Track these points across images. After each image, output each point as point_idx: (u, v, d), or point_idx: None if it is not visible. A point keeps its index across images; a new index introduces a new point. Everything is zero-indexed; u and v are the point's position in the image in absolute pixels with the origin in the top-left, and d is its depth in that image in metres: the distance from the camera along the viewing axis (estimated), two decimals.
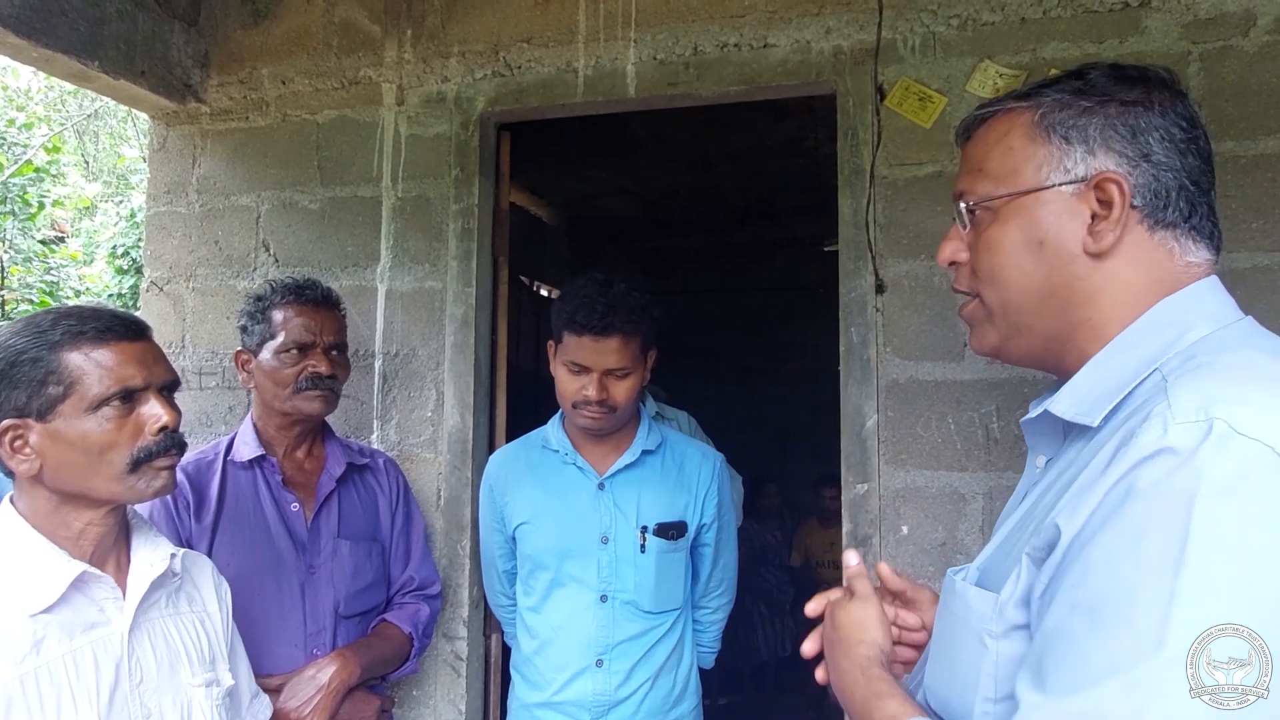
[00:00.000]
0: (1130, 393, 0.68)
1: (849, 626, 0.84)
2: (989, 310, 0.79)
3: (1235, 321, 0.70)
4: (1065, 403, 0.72)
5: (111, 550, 1.07)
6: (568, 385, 1.59)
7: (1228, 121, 1.65)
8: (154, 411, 1.04)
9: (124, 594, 1.05)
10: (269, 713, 1.30)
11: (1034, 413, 0.77)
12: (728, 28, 1.90)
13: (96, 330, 1.02)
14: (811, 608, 0.92)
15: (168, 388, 1.08)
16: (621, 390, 1.58)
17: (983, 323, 0.80)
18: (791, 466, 5.18)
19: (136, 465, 1.02)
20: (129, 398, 1.03)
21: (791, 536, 4.77)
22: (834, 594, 0.91)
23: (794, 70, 1.86)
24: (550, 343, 1.66)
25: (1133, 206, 0.71)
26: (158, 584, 1.07)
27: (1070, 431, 0.75)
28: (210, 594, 1.19)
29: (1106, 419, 0.69)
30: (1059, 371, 0.77)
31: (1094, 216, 0.72)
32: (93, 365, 1.01)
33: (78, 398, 1.00)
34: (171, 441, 1.05)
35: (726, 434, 2.73)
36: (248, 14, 2.23)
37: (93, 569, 1.01)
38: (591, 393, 1.55)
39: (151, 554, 1.08)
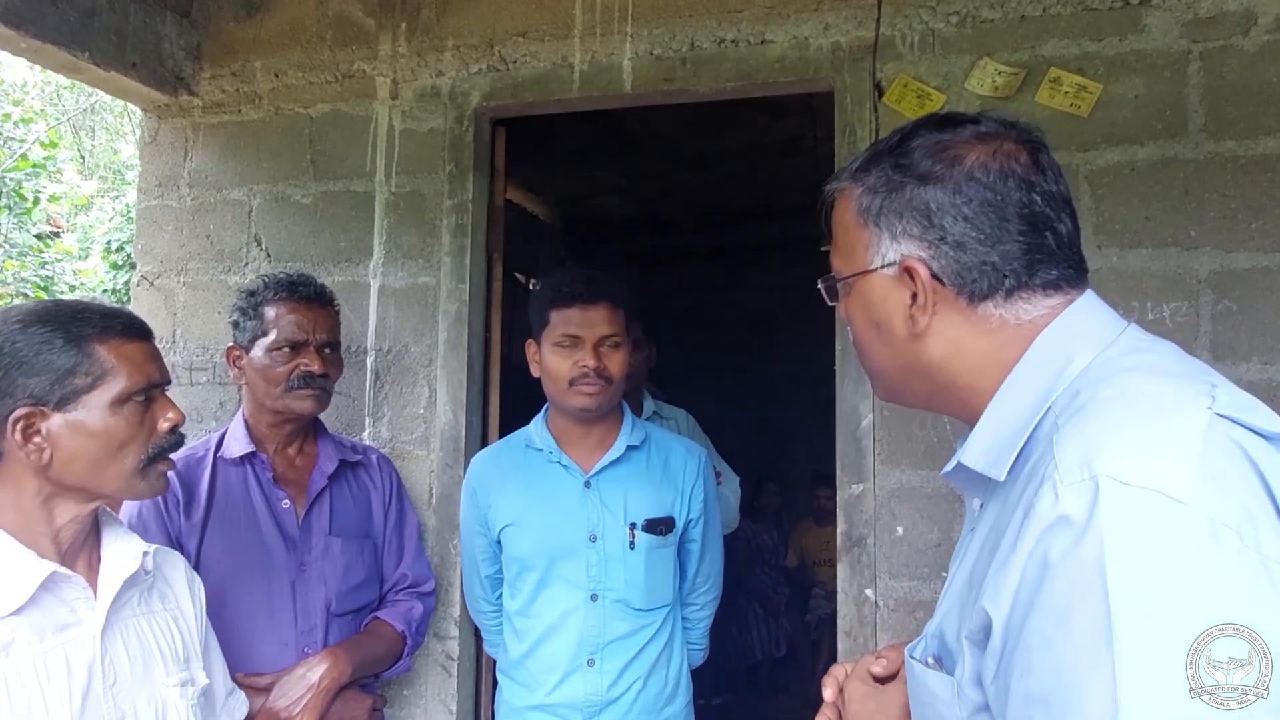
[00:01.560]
0: (1030, 439, 0.67)
1: (865, 716, 0.83)
2: (869, 373, 0.82)
3: (1115, 339, 0.68)
4: (973, 455, 0.72)
5: (82, 549, 1.05)
6: (560, 365, 1.57)
7: (1227, 121, 1.64)
8: (166, 410, 1.06)
9: (95, 593, 1.03)
10: (245, 710, 1.28)
11: (949, 466, 0.76)
12: (725, 23, 1.88)
13: (123, 326, 1.05)
14: (828, 694, 0.89)
15: (165, 387, 1.11)
16: (614, 362, 1.58)
17: (873, 378, 0.83)
18: (789, 467, 5.16)
19: (150, 462, 1.04)
20: (148, 395, 1.05)
21: (787, 537, 4.75)
22: (843, 670, 0.90)
23: (791, 67, 1.84)
24: (529, 343, 1.65)
25: (942, 284, 0.71)
26: (130, 582, 1.05)
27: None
28: (183, 591, 1.17)
29: (1014, 468, 0.68)
30: (961, 418, 0.77)
31: (914, 297, 0.73)
32: (123, 360, 1.03)
33: (104, 390, 1.01)
34: (177, 440, 1.08)
35: (724, 434, 2.72)
36: (240, 6, 2.20)
37: (63, 569, 0.99)
38: (590, 362, 1.54)
39: (123, 552, 1.06)
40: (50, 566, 0.98)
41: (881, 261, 0.74)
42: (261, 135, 2.19)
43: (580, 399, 1.57)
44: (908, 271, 0.72)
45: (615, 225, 4.91)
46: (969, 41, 1.75)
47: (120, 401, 1.01)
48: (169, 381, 1.11)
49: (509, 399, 2.16)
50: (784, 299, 5.61)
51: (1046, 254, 0.71)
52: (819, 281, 0.83)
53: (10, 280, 6.68)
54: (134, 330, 1.07)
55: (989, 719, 0.65)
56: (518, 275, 4.10)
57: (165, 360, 1.14)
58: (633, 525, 1.60)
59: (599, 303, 1.57)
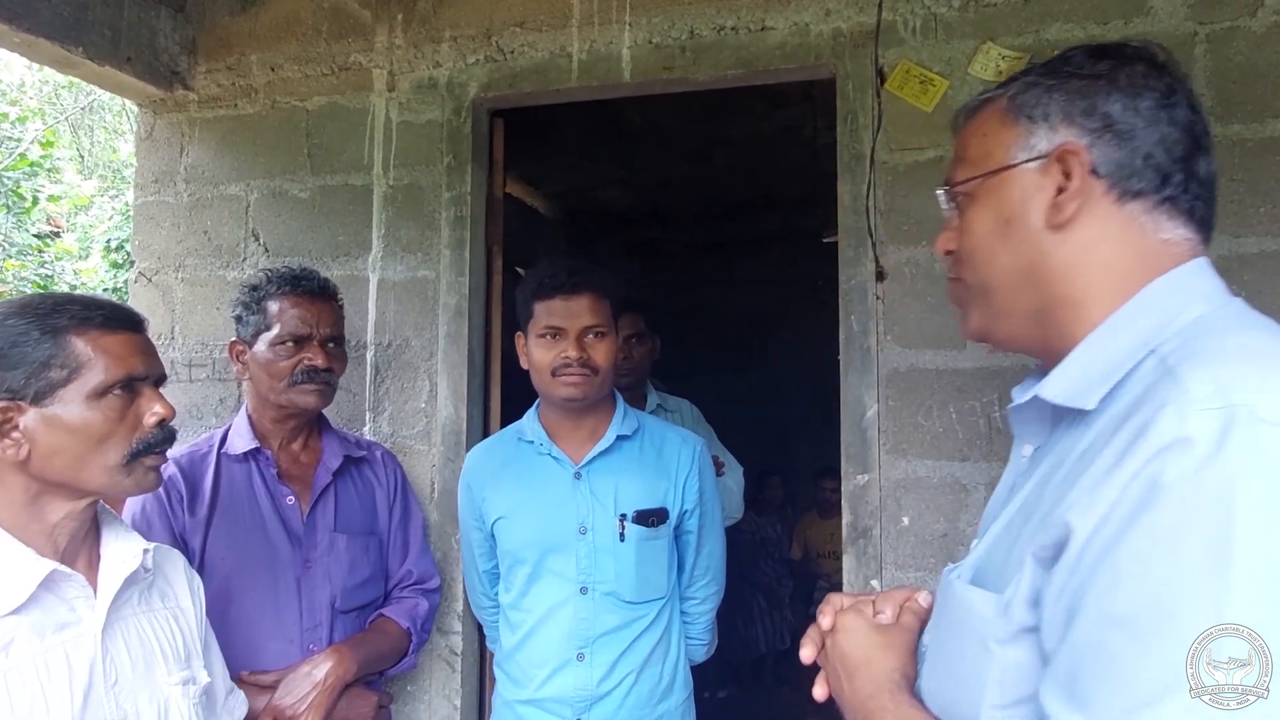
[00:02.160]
0: (1127, 376, 0.66)
1: (869, 647, 0.81)
2: (971, 293, 0.80)
3: (1227, 303, 0.69)
4: (1056, 387, 0.70)
5: (82, 547, 1.04)
6: (544, 355, 1.56)
7: (1234, 103, 1.61)
8: (152, 403, 1.03)
9: (95, 592, 1.02)
10: (245, 709, 1.27)
11: (1022, 399, 0.75)
12: (724, 10, 1.86)
13: (104, 318, 1.01)
14: (825, 622, 0.87)
15: (159, 382, 1.07)
16: (600, 352, 1.56)
17: (968, 307, 0.81)
18: (792, 460, 5.15)
19: (134, 458, 1.01)
20: (130, 387, 1.01)
21: (791, 529, 4.74)
22: (841, 600, 0.88)
23: (792, 53, 1.82)
24: (517, 335, 1.64)
25: (1096, 176, 0.71)
26: (130, 581, 1.04)
27: (1061, 418, 0.73)
28: (183, 589, 1.15)
29: (1103, 403, 0.66)
30: (1045, 355, 0.76)
31: (1059, 190, 0.72)
32: (100, 352, 0.99)
33: (81, 383, 0.98)
34: (166, 434, 1.04)
35: (727, 427, 2.70)
36: (236, 0, 2.19)
37: (62, 567, 0.98)
38: (573, 352, 1.53)
39: (123, 550, 1.05)
40: (50, 565, 0.97)
41: (1030, 154, 0.74)
42: (258, 129, 2.17)
43: (564, 389, 1.55)
44: (1063, 159, 0.72)
45: (615, 218, 4.89)
46: (972, 26, 1.73)
47: (98, 394, 0.98)
48: (160, 374, 1.08)
49: (510, 392, 2.15)
50: (785, 292, 5.61)
51: (1198, 179, 0.71)
52: (939, 188, 0.82)
53: (10, 280, 6.67)
54: (116, 321, 1.03)
55: (1030, 643, 0.63)
56: (518, 269, 4.09)
57: (164, 357, 1.11)
58: (623, 516, 1.58)
59: (582, 293, 1.55)
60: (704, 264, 5.83)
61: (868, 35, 1.78)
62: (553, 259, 1.61)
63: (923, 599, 0.84)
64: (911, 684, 0.77)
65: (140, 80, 2.09)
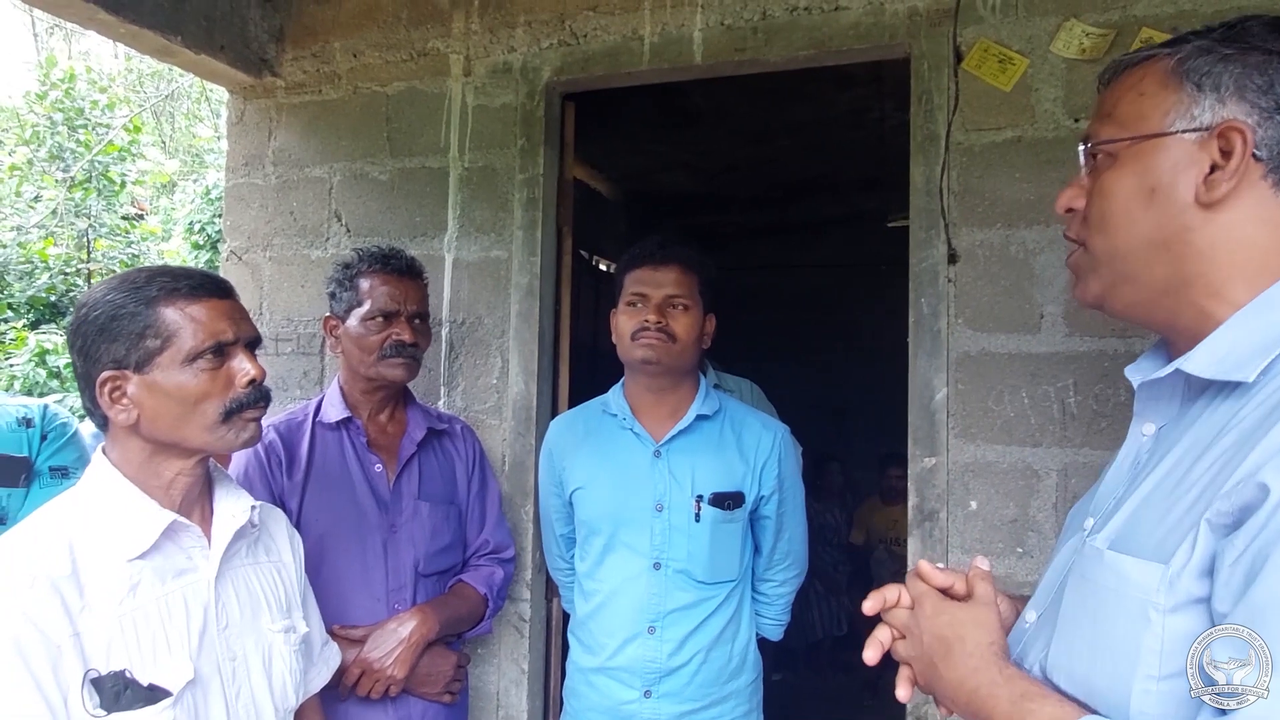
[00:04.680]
0: None
1: (967, 624, 0.77)
2: (1094, 258, 0.77)
3: None
4: (1204, 361, 0.69)
5: (197, 502, 1.11)
6: (627, 322, 1.61)
7: None
8: (243, 365, 1.08)
9: (209, 543, 1.09)
10: (338, 660, 1.35)
11: (1161, 373, 0.73)
12: None
13: (190, 287, 1.07)
14: (886, 596, 0.84)
15: (252, 344, 1.13)
16: (681, 323, 1.59)
17: (1087, 271, 0.79)
18: (852, 445, 5.11)
19: (229, 415, 1.07)
20: (220, 351, 1.07)
21: (851, 515, 4.72)
22: (894, 592, 0.84)
23: (866, 33, 1.81)
24: (611, 312, 1.67)
25: (1256, 159, 0.68)
26: (239, 534, 1.12)
27: (1198, 395, 0.71)
28: (285, 545, 1.23)
29: (1260, 376, 0.65)
30: (1169, 329, 0.74)
31: (1213, 167, 0.69)
32: (188, 320, 1.05)
33: (174, 350, 1.04)
34: (259, 394, 1.10)
35: (785, 412, 2.70)
36: None
37: (181, 518, 1.06)
38: (651, 316, 1.56)
39: (234, 506, 1.13)
40: (170, 515, 1.05)
41: (1189, 124, 0.70)
42: (341, 114, 2.25)
43: (640, 350, 1.58)
44: (1225, 136, 0.69)
45: (677, 201, 4.90)
46: (1055, 2, 1.69)
47: (190, 359, 1.04)
48: (251, 336, 1.11)
49: (576, 374, 2.20)
50: (846, 276, 5.54)
51: None
52: (1080, 144, 0.78)
53: (100, 259, 7.03)
54: (203, 289, 1.08)
55: (1196, 613, 0.62)
56: (583, 252, 4.14)
57: None
58: (699, 497, 1.60)
59: (669, 264, 1.59)
60: (765, 246, 5.80)
61: (945, 14, 1.75)
62: (649, 237, 1.66)
63: (981, 562, 0.82)
64: (1006, 656, 0.75)
65: (232, 68, 2.19)
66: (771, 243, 5.76)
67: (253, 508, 1.13)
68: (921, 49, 1.77)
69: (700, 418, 1.65)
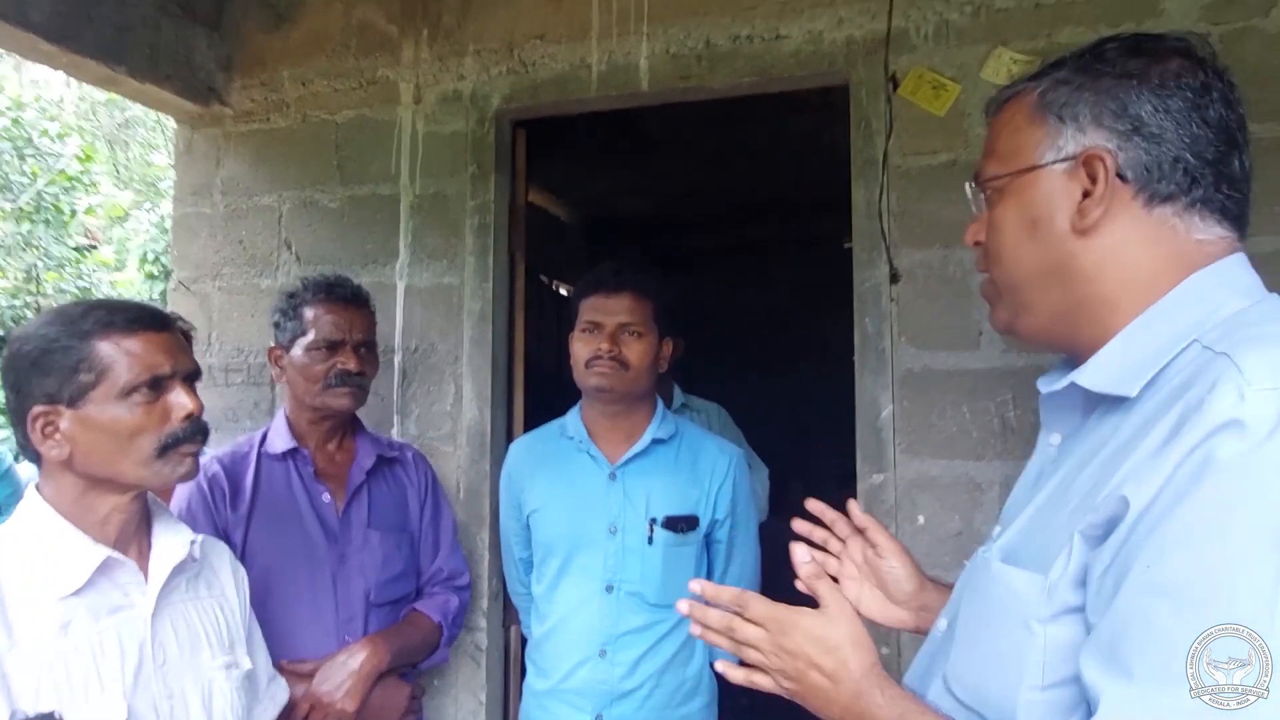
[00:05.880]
0: (1168, 364, 0.66)
1: (845, 646, 0.75)
2: (998, 288, 0.80)
3: (1266, 298, 0.70)
4: (1095, 375, 0.71)
5: (134, 536, 1.10)
6: (581, 349, 1.62)
7: (1248, 104, 1.58)
8: (180, 399, 1.07)
9: (146, 578, 1.08)
10: (286, 696, 1.33)
11: (1054, 386, 0.76)
12: (740, 20, 1.90)
13: (126, 320, 1.05)
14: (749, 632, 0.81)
15: (190, 377, 1.11)
16: (634, 350, 1.60)
17: (995, 300, 0.81)
18: (814, 463, 5.15)
19: (164, 450, 1.05)
20: (157, 385, 1.06)
21: None
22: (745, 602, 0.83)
23: (806, 61, 1.87)
24: (570, 336, 1.68)
25: (1123, 181, 0.70)
26: (178, 569, 1.10)
27: (1094, 407, 0.73)
28: (228, 579, 1.21)
29: (1144, 390, 0.67)
30: (1071, 349, 0.77)
31: (1085, 194, 0.72)
32: (123, 354, 1.04)
33: (108, 384, 1.03)
34: (197, 428, 1.09)
35: (748, 431, 2.73)
36: (268, 17, 2.27)
37: (116, 554, 1.04)
38: (604, 345, 1.58)
39: (172, 540, 1.11)
40: (105, 551, 1.03)
41: (1057, 155, 0.72)
42: (290, 142, 2.25)
43: (595, 378, 1.60)
44: (1089, 163, 0.71)
45: (636, 225, 4.95)
46: (983, 30, 1.76)
47: (125, 394, 1.02)
48: (189, 370, 1.10)
49: (536, 401, 2.20)
50: (805, 296, 5.61)
51: (1230, 178, 0.71)
52: (967, 184, 0.81)
53: (50, 291, 6.87)
54: (139, 322, 1.06)
55: (1073, 623, 0.64)
56: (541, 277, 4.15)
57: (201, 363, 1.14)
58: (653, 520, 1.61)
59: (622, 291, 1.61)
60: (724, 268, 5.86)
61: (880, 42, 1.81)
62: (604, 263, 1.68)
63: (855, 508, 0.90)
64: (885, 675, 0.75)
65: (179, 97, 2.18)
66: (732, 264, 5.83)
67: (192, 542, 1.12)
68: (859, 76, 1.83)
69: (656, 441, 1.66)
